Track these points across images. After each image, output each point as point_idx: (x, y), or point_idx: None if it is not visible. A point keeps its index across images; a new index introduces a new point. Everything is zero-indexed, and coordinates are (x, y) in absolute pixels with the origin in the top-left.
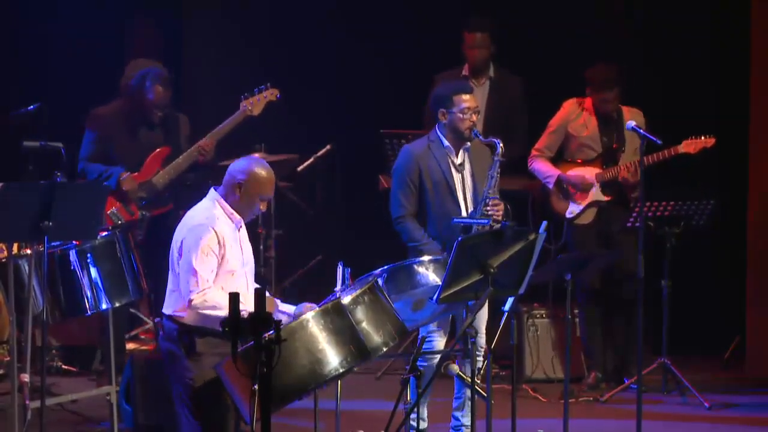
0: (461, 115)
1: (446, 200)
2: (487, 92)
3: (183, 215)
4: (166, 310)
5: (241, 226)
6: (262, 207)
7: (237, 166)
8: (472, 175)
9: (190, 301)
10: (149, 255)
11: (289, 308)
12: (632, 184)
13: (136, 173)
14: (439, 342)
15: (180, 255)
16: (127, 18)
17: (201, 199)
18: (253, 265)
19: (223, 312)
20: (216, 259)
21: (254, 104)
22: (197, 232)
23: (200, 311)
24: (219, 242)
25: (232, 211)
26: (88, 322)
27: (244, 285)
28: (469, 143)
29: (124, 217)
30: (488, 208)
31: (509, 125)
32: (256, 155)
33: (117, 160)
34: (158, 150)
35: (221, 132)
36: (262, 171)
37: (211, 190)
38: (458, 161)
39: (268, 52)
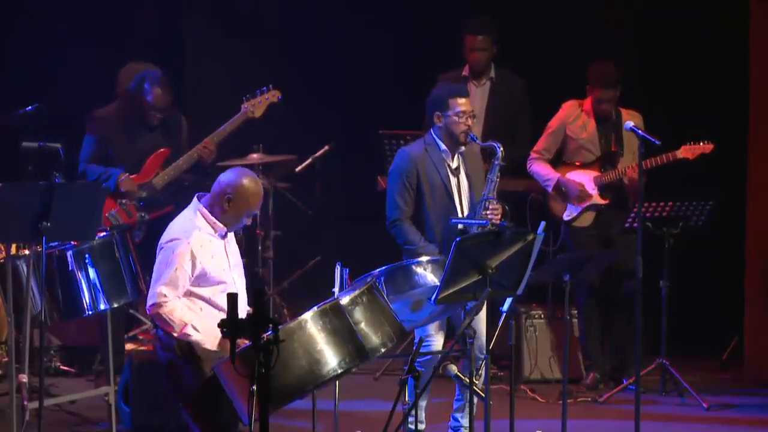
0: (456, 119)
1: (444, 204)
2: (487, 93)
3: None
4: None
5: (225, 235)
6: (248, 221)
7: (226, 178)
8: (467, 179)
9: (149, 308)
10: (148, 256)
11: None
12: (638, 185)
13: (135, 175)
14: (438, 343)
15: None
16: (127, 18)
17: None
18: (242, 267)
19: (174, 329)
20: (186, 274)
21: (256, 106)
22: (172, 246)
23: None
24: (192, 258)
25: (215, 220)
26: (86, 322)
27: (234, 290)
28: (463, 147)
29: (123, 219)
30: (488, 212)
31: (512, 126)
32: (255, 155)
33: (117, 162)
34: (158, 152)
35: (222, 134)
36: (252, 186)
37: (195, 199)
38: (454, 165)
39: (267, 53)
